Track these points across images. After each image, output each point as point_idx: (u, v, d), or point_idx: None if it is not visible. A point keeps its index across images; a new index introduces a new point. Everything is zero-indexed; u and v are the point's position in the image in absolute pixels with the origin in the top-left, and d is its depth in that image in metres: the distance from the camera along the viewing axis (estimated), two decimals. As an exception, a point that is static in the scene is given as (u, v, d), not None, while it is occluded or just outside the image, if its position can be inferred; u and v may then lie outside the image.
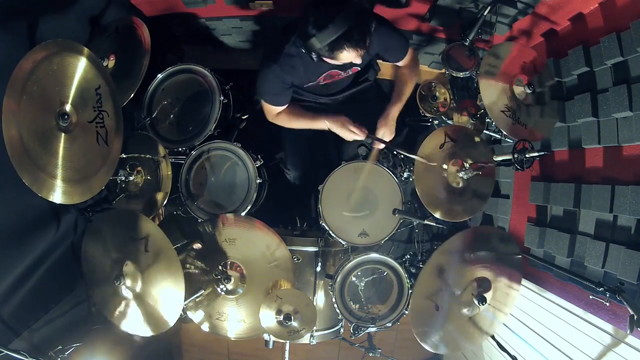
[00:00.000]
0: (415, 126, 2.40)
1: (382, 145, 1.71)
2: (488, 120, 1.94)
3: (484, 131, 1.96)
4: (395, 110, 1.72)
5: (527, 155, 1.52)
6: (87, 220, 1.67)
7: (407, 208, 1.88)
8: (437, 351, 1.62)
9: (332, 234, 1.75)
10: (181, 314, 1.49)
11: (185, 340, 2.79)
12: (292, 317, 1.55)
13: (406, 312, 1.74)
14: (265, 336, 1.82)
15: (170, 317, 1.48)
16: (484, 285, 1.59)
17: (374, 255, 1.75)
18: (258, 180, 1.78)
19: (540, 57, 1.80)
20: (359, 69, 1.72)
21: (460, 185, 1.67)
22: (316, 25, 1.24)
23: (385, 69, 2.59)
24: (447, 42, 2.22)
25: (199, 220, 1.77)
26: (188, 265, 1.68)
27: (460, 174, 1.65)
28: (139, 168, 1.74)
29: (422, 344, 1.57)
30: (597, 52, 1.61)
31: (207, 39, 2.34)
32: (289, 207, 2.26)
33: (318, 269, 1.83)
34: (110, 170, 1.42)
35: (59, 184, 1.19)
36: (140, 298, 1.51)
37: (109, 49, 1.67)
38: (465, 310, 1.59)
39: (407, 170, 1.90)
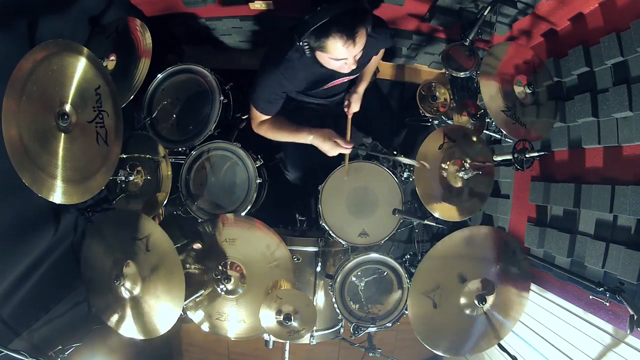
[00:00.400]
0: (415, 126, 2.40)
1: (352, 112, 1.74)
2: (488, 120, 1.94)
3: (484, 131, 1.96)
4: (362, 88, 1.76)
5: (527, 155, 1.52)
6: (87, 220, 1.67)
7: (407, 208, 1.88)
8: (437, 350, 1.62)
9: (332, 234, 1.75)
10: (181, 314, 1.49)
11: (185, 340, 2.79)
12: (292, 317, 1.56)
13: (406, 312, 1.74)
14: (265, 336, 1.82)
15: (170, 318, 1.48)
16: (488, 287, 1.58)
17: (374, 255, 1.75)
18: (258, 180, 1.78)
19: (540, 57, 1.80)
20: (357, 74, 1.73)
21: (460, 185, 1.67)
22: (310, 11, 1.24)
23: (385, 69, 2.60)
24: (447, 42, 2.22)
25: (199, 220, 1.77)
26: (188, 265, 1.68)
27: (460, 174, 1.65)
28: (139, 168, 1.74)
29: (422, 342, 1.56)
30: (597, 52, 1.61)
31: (207, 39, 2.34)
32: (289, 207, 2.26)
33: (318, 269, 1.83)
34: (110, 170, 1.42)
35: (59, 184, 1.19)
36: (140, 298, 1.51)
37: (109, 49, 1.67)
38: (467, 311, 1.59)
39: (407, 170, 1.90)
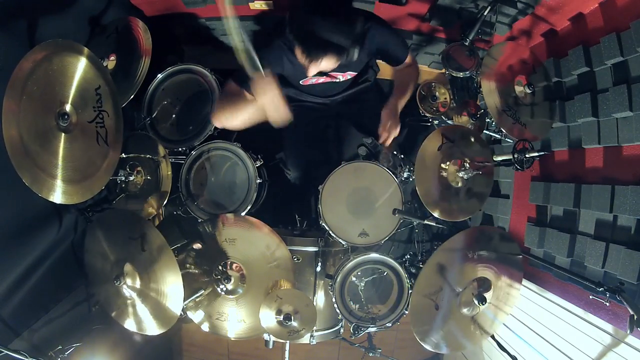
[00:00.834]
0: (415, 126, 2.40)
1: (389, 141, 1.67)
2: (488, 120, 1.94)
3: (484, 131, 1.96)
4: (399, 102, 1.66)
5: (527, 155, 1.52)
6: (87, 220, 1.67)
7: (407, 208, 1.88)
8: (437, 350, 1.62)
9: (332, 234, 1.75)
10: (181, 314, 1.49)
11: (185, 340, 2.79)
12: (292, 317, 1.55)
13: (406, 312, 1.74)
14: (265, 336, 1.82)
15: (170, 317, 1.48)
16: (484, 285, 1.59)
17: (374, 255, 1.75)
18: (258, 180, 1.78)
19: (539, 57, 1.81)
20: (356, 72, 1.72)
21: (460, 185, 1.67)
22: (305, 12, 1.24)
23: (385, 69, 2.59)
24: (447, 42, 2.22)
25: (199, 220, 1.77)
26: (188, 265, 1.68)
27: (460, 174, 1.65)
28: (139, 168, 1.74)
29: (421, 343, 1.57)
30: (597, 52, 1.61)
31: (207, 39, 2.34)
32: (289, 207, 2.26)
33: (318, 269, 1.83)
34: (110, 170, 1.43)
35: (59, 184, 1.20)
36: (140, 297, 1.51)
37: (109, 49, 1.67)
38: (465, 310, 1.59)
39: (407, 170, 1.90)
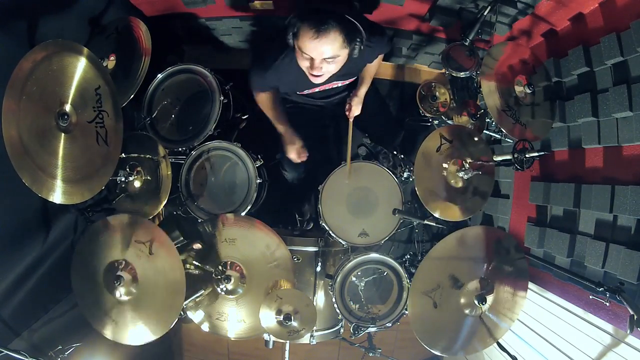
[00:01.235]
0: (415, 126, 2.41)
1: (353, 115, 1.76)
2: (488, 120, 1.93)
3: (484, 131, 1.96)
4: (362, 91, 1.79)
5: (527, 155, 1.52)
6: (87, 220, 1.67)
7: (407, 208, 1.88)
8: (436, 350, 1.62)
9: (332, 234, 1.75)
10: (181, 314, 1.49)
11: (185, 340, 2.79)
12: (292, 317, 1.55)
13: (406, 312, 1.74)
14: (265, 336, 1.82)
15: (170, 319, 1.48)
16: (487, 287, 1.58)
17: (374, 255, 1.75)
18: (258, 180, 1.78)
19: (539, 57, 1.80)
20: (355, 78, 1.73)
21: (460, 185, 1.67)
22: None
23: (385, 69, 2.60)
24: (447, 42, 2.22)
25: (199, 220, 1.77)
26: (188, 265, 1.68)
27: (460, 174, 1.65)
28: (139, 168, 1.73)
29: (421, 342, 1.56)
30: (597, 52, 1.61)
31: (207, 39, 2.34)
32: (289, 207, 2.26)
33: (318, 269, 1.83)
34: (110, 170, 1.42)
35: (59, 184, 1.19)
36: (138, 300, 1.51)
37: (109, 49, 1.67)
38: (466, 311, 1.59)
39: (407, 170, 1.90)
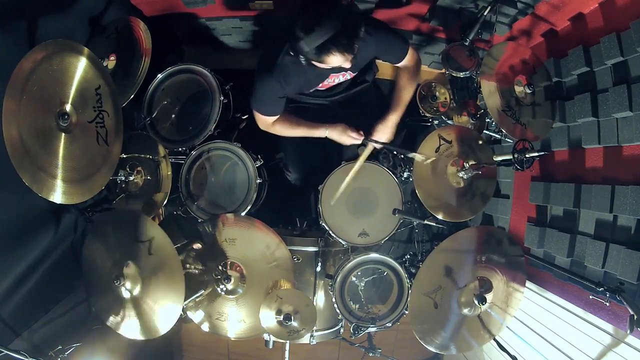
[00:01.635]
0: (415, 126, 2.40)
1: (377, 145, 1.70)
2: (488, 120, 1.94)
3: (484, 131, 1.96)
4: (395, 117, 1.70)
5: (527, 155, 1.52)
6: (87, 220, 1.67)
7: (407, 208, 1.88)
8: (436, 350, 1.62)
9: (332, 234, 1.75)
10: (181, 314, 1.49)
11: (185, 340, 2.79)
12: (292, 317, 1.55)
13: (406, 312, 1.74)
14: (265, 336, 1.82)
15: (170, 320, 1.48)
16: (485, 285, 1.59)
17: (374, 255, 1.75)
18: (258, 180, 1.78)
19: (539, 57, 1.80)
20: (355, 73, 1.72)
21: (461, 185, 1.67)
22: (304, 29, 1.22)
23: (385, 69, 2.59)
24: (447, 42, 2.22)
25: (199, 220, 1.77)
26: (188, 265, 1.68)
27: (461, 174, 1.65)
28: (139, 168, 1.74)
29: (420, 341, 1.57)
30: (597, 52, 1.61)
31: (207, 39, 2.34)
32: (289, 207, 2.26)
33: (318, 269, 1.83)
34: (110, 170, 1.43)
35: (59, 184, 1.20)
36: (140, 299, 1.51)
37: (109, 49, 1.67)
38: (465, 310, 1.59)
39: (407, 170, 1.90)
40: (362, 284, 1.80)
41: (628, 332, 1.19)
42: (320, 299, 1.88)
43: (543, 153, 1.50)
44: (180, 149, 1.85)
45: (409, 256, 2.15)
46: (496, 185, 2.31)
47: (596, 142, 1.62)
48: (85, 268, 1.62)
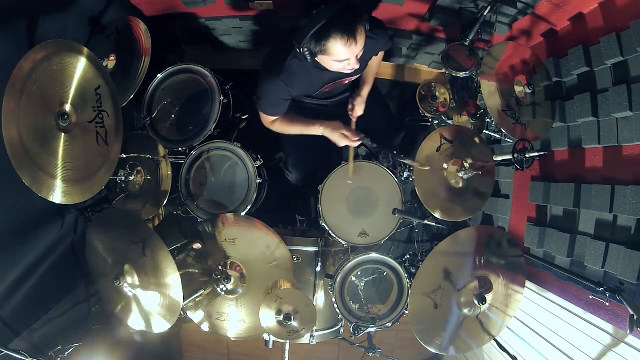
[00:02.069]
0: (415, 126, 2.41)
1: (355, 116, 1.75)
2: (488, 120, 1.93)
3: (484, 131, 1.96)
4: (365, 92, 1.76)
5: (527, 155, 1.52)
6: (87, 220, 1.67)
7: (407, 208, 1.88)
8: (435, 351, 1.62)
9: (332, 234, 1.75)
10: (181, 314, 1.49)
11: (185, 340, 2.79)
12: (292, 317, 1.55)
13: (406, 312, 1.74)
14: (265, 336, 1.82)
15: (168, 320, 1.48)
16: (485, 285, 1.59)
17: (374, 255, 1.75)
18: (258, 180, 1.78)
19: (539, 57, 1.80)
20: (358, 76, 1.73)
21: (461, 185, 1.67)
22: (305, 13, 1.24)
23: (385, 69, 2.60)
24: (447, 42, 2.22)
25: (199, 220, 1.77)
26: (188, 265, 1.68)
27: (460, 174, 1.65)
28: (139, 168, 1.74)
29: (420, 341, 1.57)
30: (597, 52, 1.61)
31: (207, 39, 2.34)
32: (289, 207, 2.26)
33: (318, 269, 1.83)
34: (110, 170, 1.42)
35: (59, 184, 1.19)
36: (139, 299, 1.51)
37: (109, 49, 1.67)
38: (465, 310, 1.59)
39: (407, 170, 1.90)
40: (362, 284, 1.80)
41: (628, 332, 1.19)
42: (320, 299, 1.88)
43: (543, 153, 1.51)
44: (180, 149, 1.85)
45: (409, 256, 2.15)
46: (496, 185, 2.31)
47: (596, 142, 1.62)
48: (88, 267, 1.62)
